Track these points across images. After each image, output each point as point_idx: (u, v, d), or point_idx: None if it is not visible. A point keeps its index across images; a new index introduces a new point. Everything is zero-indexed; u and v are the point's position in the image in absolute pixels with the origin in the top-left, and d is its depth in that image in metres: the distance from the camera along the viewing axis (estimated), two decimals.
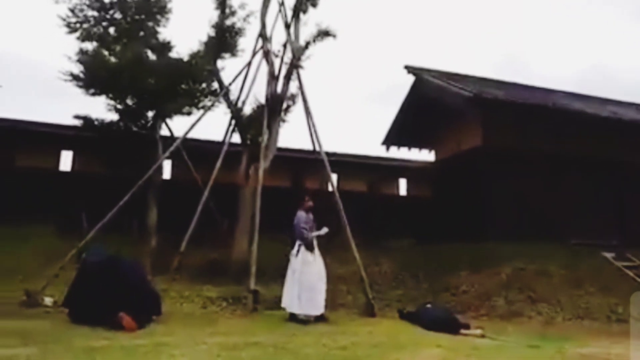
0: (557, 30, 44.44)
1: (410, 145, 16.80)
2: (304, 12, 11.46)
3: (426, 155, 16.92)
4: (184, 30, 13.49)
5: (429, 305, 7.96)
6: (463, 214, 13.36)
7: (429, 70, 14.98)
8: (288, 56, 11.27)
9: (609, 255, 11.04)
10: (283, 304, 7.31)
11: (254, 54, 11.32)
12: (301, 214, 7.62)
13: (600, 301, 8.99)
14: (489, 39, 45.66)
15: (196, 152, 12.37)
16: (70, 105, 26.04)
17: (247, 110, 11.54)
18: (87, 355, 4.33)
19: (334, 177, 12.63)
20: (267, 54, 11.11)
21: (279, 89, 10.98)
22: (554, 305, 8.88)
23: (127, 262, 6.65)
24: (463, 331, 6.82)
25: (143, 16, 12.42)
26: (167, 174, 13.45)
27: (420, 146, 16.84)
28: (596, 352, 5.97)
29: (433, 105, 14.39)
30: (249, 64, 11.33)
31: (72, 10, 11.84)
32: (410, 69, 14.94)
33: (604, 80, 37.88)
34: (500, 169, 12.76)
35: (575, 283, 9.63)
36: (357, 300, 8.70)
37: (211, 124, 15.97)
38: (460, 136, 14.38)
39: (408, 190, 16.12)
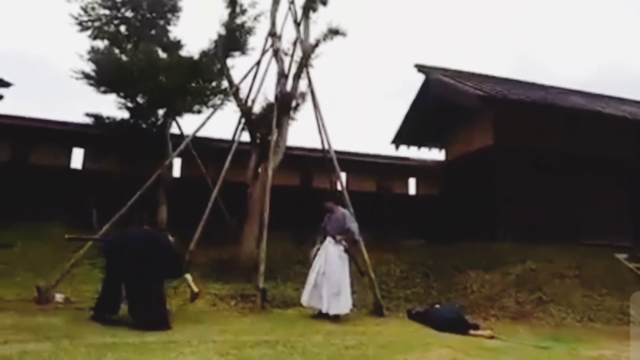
0: (571, 29, 44.05)
1: (420, 144, 16.74)
2: (314, 10, 11.44)
3: (436, 154, 16.86)
4: (195, 28, 13.57)
5: (438, 306, 7.92)
6: (473, 213, 13.28)
7: (439, 69, 14.90)
8: (298, 55, 11.27)
9: (621, 256, 10.92)
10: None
11: (264, 52, 11.34)
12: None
13: (613, 303, 8.90)
14: (501, 38, 45.35)
15: (206, 150, 12.43)
16: (82, 102, 26.26)
17: (257, 108, 11.55)
18: (98, 351, 4.36)
19: (343, 176, 12.61)
20: (277, 53, 11.12)
21: (289, 87, 10.97)
22: (565, 306, 8.80)
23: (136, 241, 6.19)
24: (472, 332, 6.77)
25: (154, 15, 12.51)
26: (177, 172, 13.52)
27: (431, 145, 16.78)
28: (607, 354, 5.90)
29: (443, 104, 14.31)
30: (259, 62, 11.35)
31: (84, 9, 11.94)
32: (420, 68, 14.87)
33: (619, 79, 37.42)
34: (511, 168, 12.66)
35: (587, 284, 9.54)
36: (365, 300, 8.68)
37: (221, 123, 16.06)
38: (471, 135, 14.29)
39: (418, 189, 16.05)
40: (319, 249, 7.57)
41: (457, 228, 13.09)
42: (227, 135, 12.11)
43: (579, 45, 43.95)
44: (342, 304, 7.20)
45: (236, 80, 11.72)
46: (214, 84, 12.92)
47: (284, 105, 10.77)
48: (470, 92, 12.55)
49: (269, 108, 11.05)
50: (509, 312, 8.68)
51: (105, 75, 11.63)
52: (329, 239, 7.53)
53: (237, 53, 12.56)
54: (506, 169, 12.73)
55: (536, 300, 8.98)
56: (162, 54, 12.38)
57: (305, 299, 7.33)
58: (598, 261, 10.46)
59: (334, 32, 11.25)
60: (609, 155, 12.99)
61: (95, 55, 11.79)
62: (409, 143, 16.65)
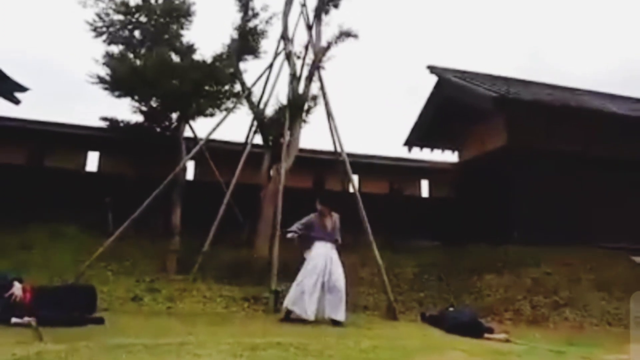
0: (585, 28, 43.50)
1: (432, 146, 16.63)
2: (326, 13, 11.47)
3: (449, 156, 16.75)
4: (208, 32, 13.68)
5: (452, 309, 7.86)
6: (487, 215, 13.16)
7: (452, 70, 14.81)
8: (310, 57, 11.32)
9: (638, 259, 10.75)
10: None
11: (276, 55, 11.40)
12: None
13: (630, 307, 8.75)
14: (514, 38, 44.98)
15: (219, 153, 12.50)
16: (97, 107, 26.63)
17: (269, 111, 11.61)
18: (113, 352, 4.40)
19: (356, 178, 12.60)
20: (288, 56, 11.17)
21: (301, 90, 11.01)
22: (582, 310, 8.68)
23: None
24: (487, 335, 6.70)
25: (167, 19, 12.61)
26: (190, 174, 13.61)
27: (443, 147, 16.66)
28: (623, 359, 5.80)
29: (456, 105, 14.21)
30: (271, 65, 11.41)
31: (98, 15, 12.10)
32: (432, 69, 14.80)
33: (635, 78, 36.79)
34: (525, 170, 12.52)
35: (603, 288, 9.39)
36: (378, 303, 8.64)
37: (234, 126, 16.18)
38: (484, 136, 14.17)
39: (430, 191, 15.96)
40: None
41: (471, 230, 12.96)
42: (240, 138, 12.20)
43: (598, 43, 43.32)
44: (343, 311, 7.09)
45: (249, 83, 11.79)
46: (226, 87, 13.00)
47: (296, 107, 10.79)
48: (483, 94, 12.45)
49: (281, 111, 11.09)
50: (524, 316, 8.59)
51: (119, 79, 11.76)
52: (329, 245, 7.42)
53: (249, 56, 12.61)
54: (520, 170, 12.59)
55: (552, 304, 8.87)
56: (176, 58, 12.49)
57: (311, 308, 7.01)
58: (615, 264, 10.29)
59: (345, 35, 11.25)
60: (625, 156, 12.76)
61: (109, 60, 11.95)
62: (422, 145, 16.55)
